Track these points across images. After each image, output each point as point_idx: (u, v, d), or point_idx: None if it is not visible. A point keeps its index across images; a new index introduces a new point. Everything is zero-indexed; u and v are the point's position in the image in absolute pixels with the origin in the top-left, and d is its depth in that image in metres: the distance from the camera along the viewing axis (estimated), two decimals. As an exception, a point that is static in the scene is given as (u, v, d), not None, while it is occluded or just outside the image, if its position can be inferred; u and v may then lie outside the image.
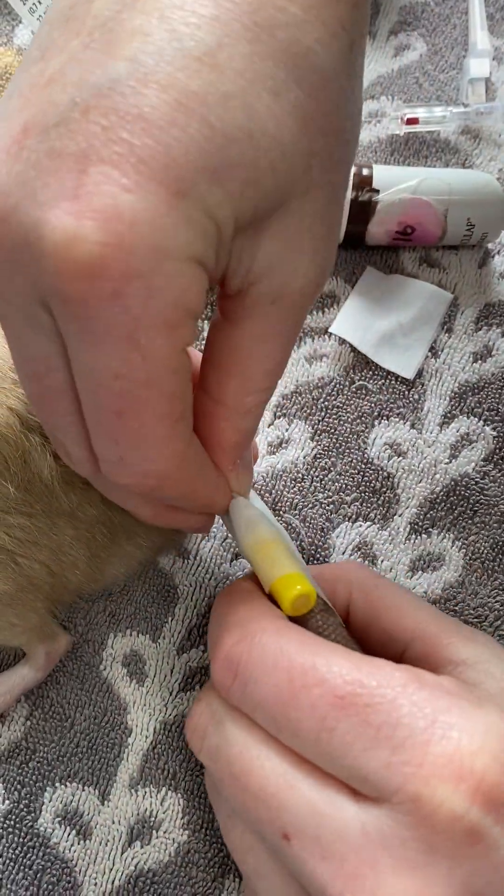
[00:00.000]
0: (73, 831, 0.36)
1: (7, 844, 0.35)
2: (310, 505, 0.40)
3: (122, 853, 0.35)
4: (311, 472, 0.41)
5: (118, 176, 0.19)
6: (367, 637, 0.30)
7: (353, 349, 0.43)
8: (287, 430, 0.41)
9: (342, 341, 0.43)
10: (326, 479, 0.41)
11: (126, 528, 0.35)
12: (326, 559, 0.39)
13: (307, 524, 0.40)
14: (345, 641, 0.27)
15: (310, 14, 0.21)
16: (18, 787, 0.36)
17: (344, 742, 0.22)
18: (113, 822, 0.36)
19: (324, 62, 0.21)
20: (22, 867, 0.35)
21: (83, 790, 0.36)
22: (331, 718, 0.23)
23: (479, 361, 0.43)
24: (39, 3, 0.47)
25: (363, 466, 0.41)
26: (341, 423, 0.41)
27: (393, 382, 0.42)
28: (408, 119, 0.47)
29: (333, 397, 0.42)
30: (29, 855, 0.35)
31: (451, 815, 0.21)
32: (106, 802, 0.36)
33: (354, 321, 0.43)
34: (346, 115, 0.22)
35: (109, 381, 0.21)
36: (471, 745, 0.21)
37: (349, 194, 0.42)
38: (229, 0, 0.21)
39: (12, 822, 0.36)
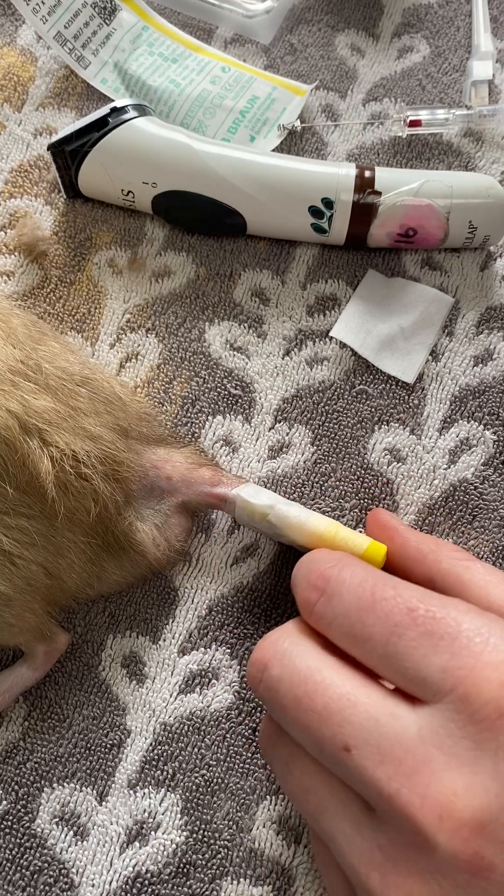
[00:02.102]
0: (71, 832, 0.36)
1: (4, 845, 0.35)
2: (309, 508, 0.40)
3: (121, 854, 0.35)
4: (312, 477, 0.41)
5: None
6: None
7: (354, 353, 0.43)
8: (288, 433, 0.41)
9: (343, 345, 0.43)
10: (326, 484, 0.41)
11: (118, 541, 0.35)
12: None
13: (307, 527, 0.40)
14: None
15: None
16: (16, 787, 0.36)
17: (409, 647, 0.25)
18: (111, 823, 0.36)
19: None
20: (19, 868, 0.35)
21: (81, 791, 0.36)
22: (401, 626, 0.26)
23: (480, 365, 0.43)
24: (42, 3, 0.47)
25: (363, 472, 0.41)
26: (341, 427, 0.41)
27: (393, 387, 0.42)
28: (410, 121, 0.47)
29: (334, 402, 0.42)
30: (26, 856, 0.35)
31: (497, 713, 0.23)
32: (104, 803, 0.36)
33: (355, 325, 0.43)
34: None
35: None
36: None
37: (352, 196, 0.41)
38: None
39: (9, 823, 0.36)
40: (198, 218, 0.43)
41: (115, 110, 0.42)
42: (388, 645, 0.26)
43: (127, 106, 0.42)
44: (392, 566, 0.34)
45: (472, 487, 0.40)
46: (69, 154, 0.42)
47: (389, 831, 0.24)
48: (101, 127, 0.42)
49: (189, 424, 0.41)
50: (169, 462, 0.37)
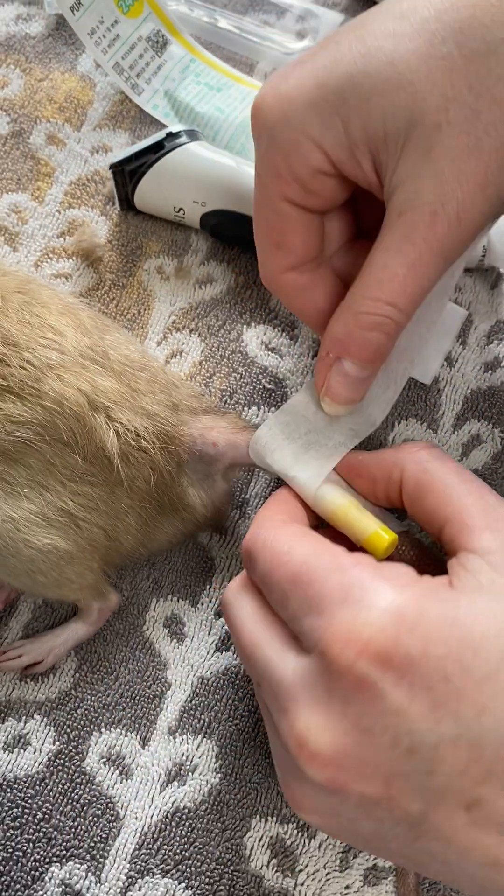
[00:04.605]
0: (117, 771, 0.40)
1: (57, 780, 0.40)
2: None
3: (161, 792, 0.39)
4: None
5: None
6: (413, 515, 0.35)
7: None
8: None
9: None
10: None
11: (173, 503, 0.40)
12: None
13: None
14: (413, 551, 0.36)
15: (502, 1, 0.28)
16: (68, 730, 0.40)
17: (293, 607, 0.29)
18: (152, 765, 0.40)
19: (494, 38, 0.28)
20: (70, 800, 0.39)
21: (126, 735, 0.40)
22: (288, 591, 0.30)
23: (490, 371, 0.48)
24: (104, 37, 0.52)
25: (384, 460, 0.45)
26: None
27: (412, 388, 0.47)
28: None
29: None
30: (76, 790, 0.39)
31: (344, 667, 0.27)
32: (146, 747, 0.40)
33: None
34: None
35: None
36: (367, 618, 0.27)
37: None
38: None
39: (62, 761, 0.40)
40: (240, 234, 0.48)
41: (170, 135, 0.47)
42: (282, 605, 0.30)
43: (181, 132, 0.47)
44: (377, 497, 0.37)
45: (483, 479, 0.45)
46: (128, 173, 0.47)
47: (282, 748, 0.29)
48: (157, 150, 0.47)
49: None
50: (215, 429, 0.40)
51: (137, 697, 0.41)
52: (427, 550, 0.37)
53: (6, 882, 0.38)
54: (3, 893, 0.38)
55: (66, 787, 0.39)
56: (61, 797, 0.39)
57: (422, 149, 0.30)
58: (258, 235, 0.36)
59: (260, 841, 0.39)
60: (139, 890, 0.38)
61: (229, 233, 0.49)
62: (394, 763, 0.26)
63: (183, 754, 0.40)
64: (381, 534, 0.34)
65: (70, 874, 0.38)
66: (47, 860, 0.38)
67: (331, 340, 0.34)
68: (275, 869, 0.38)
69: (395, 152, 0.30)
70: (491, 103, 0.29)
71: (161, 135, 0.47)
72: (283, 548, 0.31)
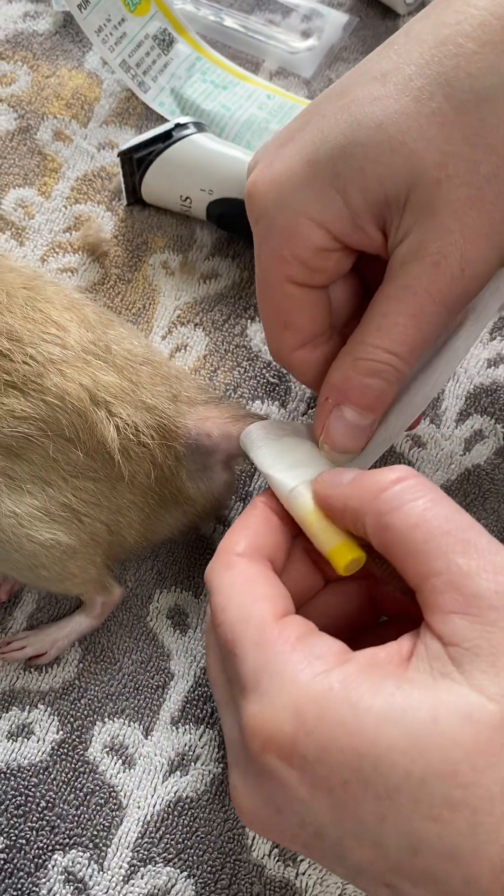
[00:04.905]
0: (120, 761, 0.40)
1: (60, 769, 0.40)
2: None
3: (163, 781, 0.40)
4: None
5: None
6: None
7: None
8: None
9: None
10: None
11: (174, 496, 0.40)
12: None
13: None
14: (385, 571, 0.31)
15: (485, 48, 0.28)
16: (71, 720, 0.41)
17: (228, 671, 0.29)
18: (155, 755, 0.40)
19: (483, 87, 0.28)
20: (73, 789, 0.39)
21: (129, 725, 0.41)
22: (222, 654, 0.30)
23: (493, 367, 0.48)
24: (111, 34, 0.53)
25: (386, 454, 0.45)
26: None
27: (415, 382, 0.47)
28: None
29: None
30: (80, 779, 0.40)
31: (253, 754, 0.26)
32: (149, 737, 0.40)
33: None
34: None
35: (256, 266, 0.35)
36: (270, 714, 0.26)
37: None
38: (418, 37, 0.29)
39: (65, 750, 0.40)
40: (246, 224, 0.48)
41: (178, 126, 0.48)
42: (224, 662, 0.30)
43: (189, 123, 0.48)
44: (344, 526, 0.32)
45: (485, 473, 0.45)
46: (136, 161, 0.48)
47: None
48: (165, 139, 0.47)
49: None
50: (209, 419, 0.40)
51: (141, 687, 0.41)
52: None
53: (10, 870, 0.38)
54: (7, 881, 0.38)
55: (69, 776, 0.40)
56: (64, 786, 0.39)
57: (423, 204, 0.29)
58: (264, 317, 0.36)
59: (262, 831, 0.39)
60: (141, 878, 0.38)
61: (235, 222, 0.49)
62: (305, 839, 0.26)
63: (185, 744, 0.40)
64: (343, 549, 0.31)
65: (73, 862, 0.38)
66: (50, 848, 0.38)
67: (329, 386, 0.34)
68: (276, 858, 0.39)
69: (398, 211, 0.30)
70: (488, 153, 0.28)
71: (169, 125, 0.48)
72: (221, 603, 0.30)
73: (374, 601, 0.35)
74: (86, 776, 0.40)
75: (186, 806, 0.39)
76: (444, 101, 0.28)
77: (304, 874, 0.38)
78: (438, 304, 0.30)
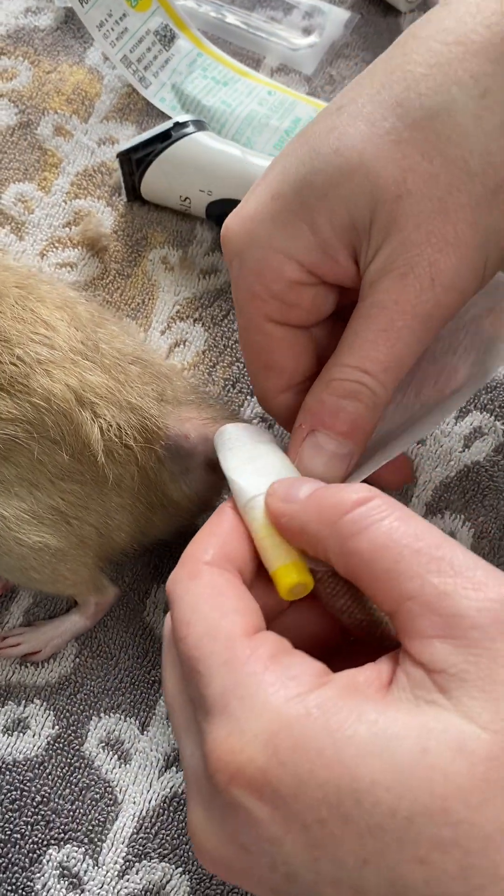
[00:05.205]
0: (115, 756, 0.40)
1: (56, 764, 0.40)
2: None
3: (159, 777, 0.39)
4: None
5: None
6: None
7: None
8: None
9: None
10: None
11: (160, 499, 0.39)
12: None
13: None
14: (352, 602, 0.29)
15: (432, 70, 0.29)
16: (67, 715, 0.40)
17: (190, 691, 0.27)
18: (151, 750, 0.40)
19: (434, 103, 0.28)
20: (68, 784, 0.39)
21: (125, 720, 0.40)
22: (185, 673, 0.27)
23: (493, 364, 0.48)
24: (112, 30, 0.53)
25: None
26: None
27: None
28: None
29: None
30: (75, 774, 0.39)
31: (219, 786, 0.24)
32: (145, 732, 0.40)
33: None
34: (464, 146, 0.28)
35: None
36: (239, 742, 0.24)
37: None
38: (370, 74, 0.31)
39: (61, 745, 0.40)
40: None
41: (177, 125, 0.48)
42: (186, 682, 0.27)
43: (188, 121, 0.48)
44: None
45: (484, 470, 0.45)
46: (135, 162, 0.48)
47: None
48: (164, 139, 0.47)
49: (230, 403, 0.46)
50: (189, 420, 0.39)
51: (137, 683, 0.41)
52: (365, 600, 0.29)
53: (4, 864, 0.38)
54: (1, 875, 0.38)
55: (64, 770, 0.39)
56: (60, 781, 0.39)
57: (387, 222, 0.29)
58: (246, 357, 0.35)
59: (258, 827, 0.39)
60: (136, 873, 0.38)
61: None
62: (275, 883, 0.24)
63: (182, 740, 0.40)
64: (290, 571, 0.28)
65: (68, 857, 0.38)
66: (45, 843, 0.38)
67: (303, 411, 0.32)
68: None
69: (365, 235, 0.30)
70: (446, 165, 0.28)
71: (168, 124, 0.48)
72: (185, 616, 0.27)
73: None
74: (81, 771, 0.40)
75: (182, 802, 0.39)
76: (398, 121, 0.29)
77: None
78: (410, 316, 0.30)
